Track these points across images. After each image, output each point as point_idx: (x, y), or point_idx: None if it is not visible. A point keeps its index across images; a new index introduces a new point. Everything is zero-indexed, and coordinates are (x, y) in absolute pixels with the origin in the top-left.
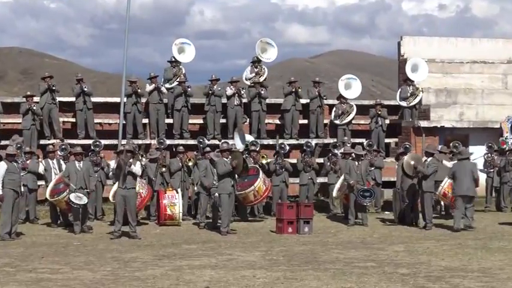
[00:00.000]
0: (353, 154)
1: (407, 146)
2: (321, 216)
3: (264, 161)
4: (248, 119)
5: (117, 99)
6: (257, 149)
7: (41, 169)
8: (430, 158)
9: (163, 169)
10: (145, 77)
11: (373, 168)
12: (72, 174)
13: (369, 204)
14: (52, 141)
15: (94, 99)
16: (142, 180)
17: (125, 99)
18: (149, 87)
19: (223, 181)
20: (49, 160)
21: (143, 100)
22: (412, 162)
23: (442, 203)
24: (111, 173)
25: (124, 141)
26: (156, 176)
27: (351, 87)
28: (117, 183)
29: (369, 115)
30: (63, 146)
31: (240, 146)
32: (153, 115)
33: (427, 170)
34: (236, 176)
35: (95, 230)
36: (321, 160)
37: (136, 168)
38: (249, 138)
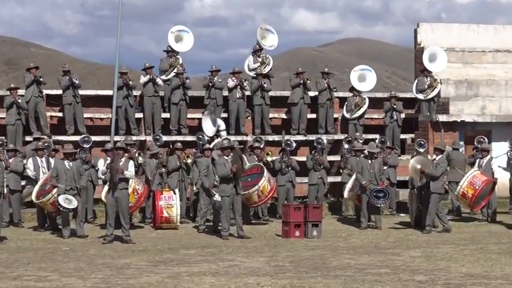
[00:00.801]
0: (365, 151)
1: (422, 143)
2: (330, 218)
3: (269, 159)
4: (251, 113)
5: (109, 92)
6: (261, 146)
7: (30, 173)
8: (439, 156)
9: (163, 169)
10: (138, 68)
11: (387, 167)
12: (61, 173)
13: (382, 206)
14: (39, 137)
15: (84, 92)
16: (139, 177)
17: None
18: (143, 79)
19: (224, 181)
20: (37, 158)
21: (136, 93)
22: (419, 167)
23: (453, 201)
24: (100, 174)
25: (118, 138)
26: (155, 175)
27: (365, 79)
28: (108, 182)
29: (383, 109)
30: (46, 144)
31: (209, 132)
32: (148, 109)
33: (435, 170)
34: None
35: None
36: (331, 158)
37: (129, 172)
38: (221, 123)
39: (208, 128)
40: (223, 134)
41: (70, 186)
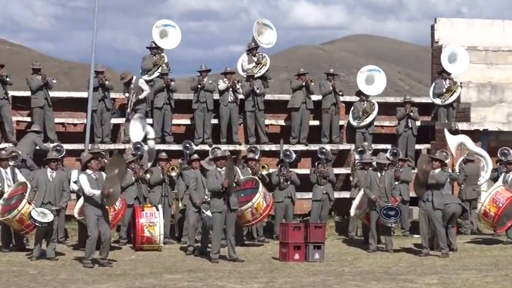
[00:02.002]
0: (374, 163)
1: (445, 154)
2: (335, 239)
3: (264, 172)
4: (243, 120)
5: (83, 94)
6: (256, 157)
7: None
8: (438, 170)
9: (147, 176)
10: (118, 67)
11: (398, 182)
12: (41, 185)
13: (394, 226)
14: (3, 145)
15: (55, 94)
16: None
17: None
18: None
19: (215, 196)
20: (1, 169)
21: (114, 95)
22: (424, 166)
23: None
24: (73, 184)
25: (97, 146)
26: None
27: (373, 81)
28: (82, 198)
29: (396, 115)
30: (13, 153)
31: (135, 137)
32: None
33: (438, 177)
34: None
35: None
36: (335, 170)
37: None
38: (150, 130)
39: (136, 133)
40: (151, 143)
41: (49, 200)
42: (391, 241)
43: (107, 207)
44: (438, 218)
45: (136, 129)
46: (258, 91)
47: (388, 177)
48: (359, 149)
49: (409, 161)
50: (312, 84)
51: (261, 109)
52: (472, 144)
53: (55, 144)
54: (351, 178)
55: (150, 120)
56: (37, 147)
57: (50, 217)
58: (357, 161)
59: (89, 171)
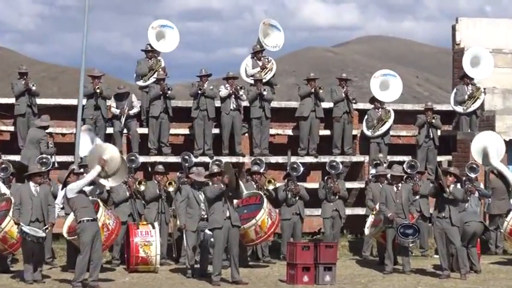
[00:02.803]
0: (389, 176)
1: (474, 166)
2: (347, 260)
3: (271, 187)
4: (248, 129)
5: (73, 102)
6: (261, 170)
7: None
8: (452, 186)
9: (141, 188)
10: (111, 71)
11: (418, 197)
12: (26, 201)
13: (412, 245)
14: None
15: (41, 101)
16: (108, 208)
17: (84, 101)
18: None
19: (215, 210)
20: None
21: (108, 103)
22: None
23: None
24: (60, 200)
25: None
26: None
27: (389, 87)
28: (71, 214)
29: (416, 123)
30: (3, 165)
31: (83, 151)
32: (118, 123)
33: (456, 194)
34: (232, 197)
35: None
36: (348, 185)
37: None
38: (99, 142)
39: (84, 147)
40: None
41: (36, 217)
42: (409, 262)
43: (100, 224)
44: (456, 236)
45: (85, 142)
46: (265, 93)
47: (405, 191)
48: (375, 162)
49: (428, 174)
50: (321, 91)
51: (268, 117)
52: (495, 156)
53: (41, 156)
54: (366, 194)
55: (145, 130)
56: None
57: (42, 233)
58: (371, 175)
59: None
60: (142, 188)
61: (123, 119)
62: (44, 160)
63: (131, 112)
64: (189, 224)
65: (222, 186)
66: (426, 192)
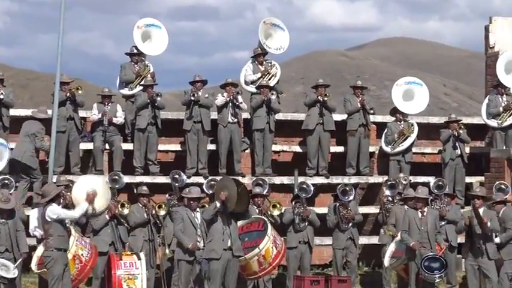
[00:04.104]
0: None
1: (503, 187)
2: None
3: (276, 213)
4: (250, 144)
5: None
6: (264, 192)
7: None
8: (482, 209)
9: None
10: (90, 77)
11: (445, 223)
12: None
13: (439, 281)
14: None
15: (11, 113)
16: (81, 236)
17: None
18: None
19: (214, 237)
20: None
21: (87, 114)
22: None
23: None
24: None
25: (63, 178)
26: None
27: (413, 97)
28: (42, 244)
29: (441, 138)
30: None
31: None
32: (99, 137)
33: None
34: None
35: None
36: (364, 209)
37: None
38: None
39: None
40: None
41: (5, 247)
42: None
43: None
44: (494, 271)
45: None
46: (273, 98)
47: (431, 217)
48: (389, 182)
49: (457, 198)
50: (327, 98)
51: (272, 130)
52: None
53: (4, 176)
54: (378, 217)
55: (130, 146)
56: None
57: (14, 271)
58: (390, 197)
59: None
60: (125, 211)
61: (106, 121)
62: (6, 182)
63: (116, 121)
64: (182, 253)
65: (218, 204)
66: (454, 219)
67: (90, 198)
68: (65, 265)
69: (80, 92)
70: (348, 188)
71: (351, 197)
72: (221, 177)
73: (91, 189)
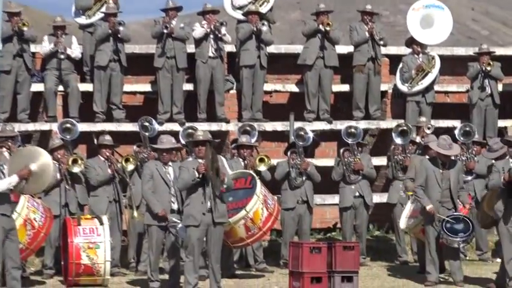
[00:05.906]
0: (433, 150)
1: None
2: (375, 267)
3: (262, 168)
4: (235, 84)
5: None
6: (253, 141)
7: None
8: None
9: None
10: (39, 5)
11: (472, 177)
12: None
13: (463, 245)
14: None
15: None
16: (31, 196)
17: (0, 47)
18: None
19: (192, 200)
20: None
21: (37, 49)
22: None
23: None
24: None
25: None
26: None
27: (433, 24)
28: None
29: (467, 74)
30: None
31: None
32: (52, 76)
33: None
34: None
35: None
36: (376, 161)
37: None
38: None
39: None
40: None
41: None
42: (461, 269)
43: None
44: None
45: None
46: (264, 29)
47: (455, 172)
48: (400, 128)
49: (488, 146)
50: (330, 27)
51: (263, 67)
52: None
53: None
54: (388, 172)
55: (89, 87)
56: None
57: None
58: (400, 147)
59: None
60: (75, 169)
61: (62, 49)
62: None
63: (70, 52)
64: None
65: (197, 174)
66: (484, 171)
67: (24, 175)
68: (6, 231)
69: (25, 28)
70: (353, 130)
71: (363, 140)
72: (201, 125)
73: (30, 168)
